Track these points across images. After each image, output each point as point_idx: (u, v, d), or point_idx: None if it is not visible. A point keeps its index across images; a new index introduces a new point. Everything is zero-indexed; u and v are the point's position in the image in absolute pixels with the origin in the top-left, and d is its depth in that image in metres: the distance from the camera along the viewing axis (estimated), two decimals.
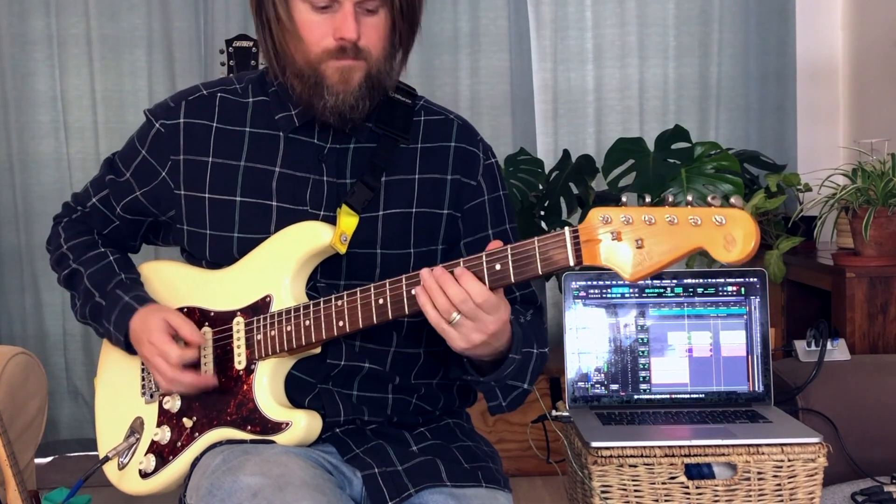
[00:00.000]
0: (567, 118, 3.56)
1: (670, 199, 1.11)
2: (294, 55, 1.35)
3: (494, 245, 1.21)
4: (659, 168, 2.86)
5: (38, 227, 3.46)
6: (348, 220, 1.36)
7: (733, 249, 1.06)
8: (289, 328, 1.34)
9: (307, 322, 1.33)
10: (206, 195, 1.41)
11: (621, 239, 1.12)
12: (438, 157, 1.45)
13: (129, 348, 1.44)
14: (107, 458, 1.50)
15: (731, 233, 1.06)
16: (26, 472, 2.10)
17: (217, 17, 3.43)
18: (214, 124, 1.43)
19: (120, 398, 1.53)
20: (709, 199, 1.09)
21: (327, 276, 1.40)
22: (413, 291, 1.24)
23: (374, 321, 1.28)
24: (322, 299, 1.33)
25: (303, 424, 1.34)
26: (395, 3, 1.34)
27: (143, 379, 1.50)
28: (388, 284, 1.27)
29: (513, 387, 1.36)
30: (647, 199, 1.13)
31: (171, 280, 1.50)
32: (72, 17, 3.45)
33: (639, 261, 1.11)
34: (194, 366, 1.41)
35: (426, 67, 3.49)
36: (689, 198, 1.11)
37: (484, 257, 1.21)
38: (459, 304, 1.20)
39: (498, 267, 1.20)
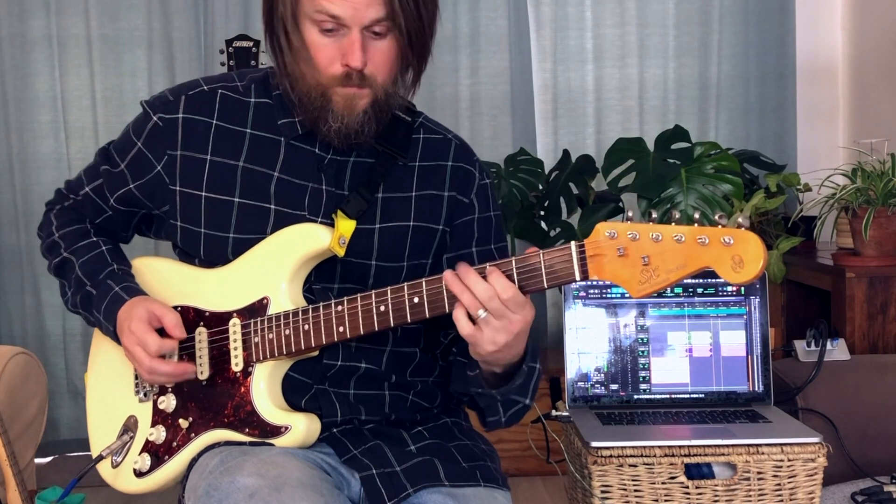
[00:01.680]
0: (567, 118, 3.56)
1: (676, 216, 1.12)
2: (305, 76, 1.33)
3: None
4: (659, 168, 2.86)
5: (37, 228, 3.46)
6: (346, 224, 1.36)
7: (741, 270, 1.07)
8: (287, 332, 1.34)
9: (306, 327, 1.32)
10: (203, 193, 1.40)
11: (628, 255, 1.12)
12: (436, 176, 1.45)
13: (119, 339, 1.43)
14: (100, 457, 1.48)
15: (739, 254, 1.07)
16: (26, 472, 2.10)
17: (217, 17, 3.42)
18: (214, 121, 1.42)
19: (113, 396, 1.52)
20: (716, 217, 1.09)
21: (321, 278, 1.39)
22: (445, 284, 1.21)
23: (376, 328, 1.28)
24: (321, 304, 1.32)
25: (302, 428, 1.33)
26: (404, 29, 1.31)
27: (136, 377, 1.48)
28: (389, 292, 1.27)
29: (514, 401, 1.36)
30: (654, 216, 1.13)
31: (165, 277, 1.49)
32: (72, 17, 3.44)
33: (645, 278, 1.11)
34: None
35: (426, 67, 3.47)
36: (696, 215, 1.11)
37: (488, 269, 1.20)
38: (487, 301, 1.19)
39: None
